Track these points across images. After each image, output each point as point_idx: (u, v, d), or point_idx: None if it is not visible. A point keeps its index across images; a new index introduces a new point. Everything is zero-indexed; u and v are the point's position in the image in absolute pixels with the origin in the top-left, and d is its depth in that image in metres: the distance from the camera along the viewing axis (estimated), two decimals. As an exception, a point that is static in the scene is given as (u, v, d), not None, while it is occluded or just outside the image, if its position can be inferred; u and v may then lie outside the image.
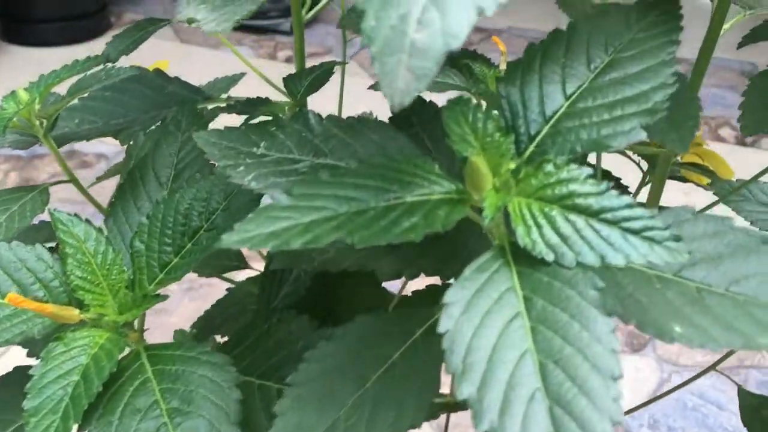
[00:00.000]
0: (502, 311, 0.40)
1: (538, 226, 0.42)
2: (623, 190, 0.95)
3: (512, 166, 0.44)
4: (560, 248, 0.41)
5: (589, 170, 0.43)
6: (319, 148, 0.52)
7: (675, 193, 0.94)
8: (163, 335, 0.87)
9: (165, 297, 0.60)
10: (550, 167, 0.43)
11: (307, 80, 0.72)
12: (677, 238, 0.41)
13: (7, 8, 3.17)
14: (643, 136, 0.44)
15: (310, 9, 0.77)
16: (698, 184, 0.97)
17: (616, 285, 0.46)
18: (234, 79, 0.96)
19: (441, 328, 0.40)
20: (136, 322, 0.65)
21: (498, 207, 0.42)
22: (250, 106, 0.73)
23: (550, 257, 0.41)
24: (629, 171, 0.93)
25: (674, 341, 0.43)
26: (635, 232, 0.41)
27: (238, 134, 0.54)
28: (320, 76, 0.72)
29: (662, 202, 0.74)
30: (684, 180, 0.94)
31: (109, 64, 0.77)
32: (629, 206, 0.42)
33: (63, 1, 3.22)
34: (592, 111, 0.45)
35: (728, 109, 2.76)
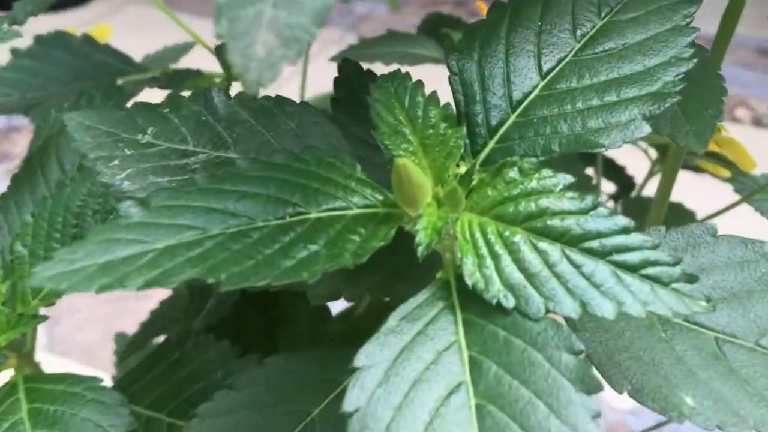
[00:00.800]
0: (438, 381, 0.28)
1: (495, 257, 0.30)
2: (626, 186, 0.83)
3: (461, 170, 0.31)
4: (524, 291, 0.29)
5: (568, 178, 0.30)
6: (221, 137, 0.39)
7: (688, 187, 0.80)
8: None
9: (44, 318, 0.48)
10: (513, 173, 0.31)
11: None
12: (691, 279, 0.29)
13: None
14: (645, 130, 0.32)
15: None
16: (715, 175, 0.84)
17: (602, 332, 0.33)
18: (184, 49, 0.83)
19: (347, 405, 0.27)
20: (29, 340, 0.54)
21: (438, 230, 0.30)
22: (175, 78, 0.61)
23: (509, 303, 0.29)
24: (636, 159, 0.80)
25: (684, 418, 0.31)
26: (632, 269, 0.29)
27: (120, 117, 0.41)
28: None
29: (673, 197, 0.61)
30: (698, 170, 0.81)
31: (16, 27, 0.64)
32: (624, 230, 0.29)
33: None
34: (576, 95, 0.33)
35: (745, 88, 2.62)
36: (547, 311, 0.29)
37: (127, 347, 0.76)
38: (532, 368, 0.28)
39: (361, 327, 0.53)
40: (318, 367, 0.39)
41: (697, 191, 0.87)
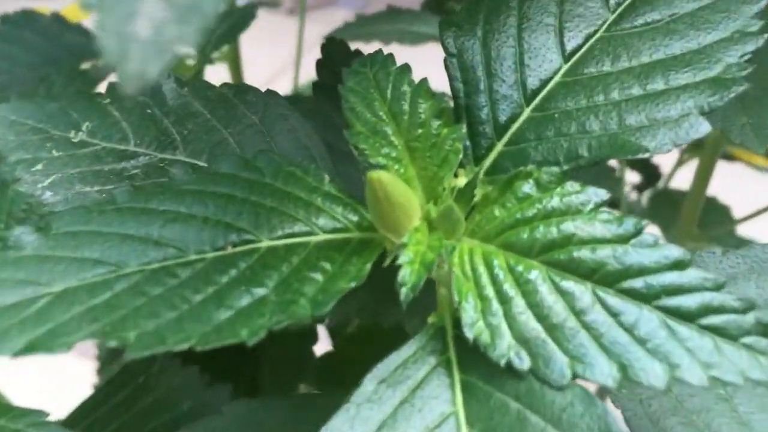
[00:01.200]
0: (428, 470, 0.21)
1: (504, 301, 0.22)
2: (651, 176, 0.75)
3: (460, 182, 0.24)
4: (543, 347, 0.22)
5: (600, 194, 0.23)
6: (168, 135, 0.32)
7: (719, 177, 0.72)
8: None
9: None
10: (528, 187, 0.23)
11: (217, 29, 0.52)
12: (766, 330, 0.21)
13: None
14: (703, 129, 0.24)
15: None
16: (750, 164, 0.77)
17: (643, 388, 0.26)
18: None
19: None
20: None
21: (428, 264, 0.22)
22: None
23: (522, 364, 0.22)
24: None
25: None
26: (689, 317, 0.21)
27: (52, 109, 0.34)
28: (236, 23, 0.51)
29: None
30: (731, 158, 0.73)
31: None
32: (677, 265, 0.22)
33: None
34: (610, 82, 0.25)
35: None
36: (575, 377, 0.21)
37: (110, 352, 0.69)
38: (555, 457, 0.21)
39: (349, 354, 0.46)
40: (286, 417, 0.32)
41: (730, 182, 0.79)
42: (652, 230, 0.22)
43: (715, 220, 0.68)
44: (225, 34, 0.52)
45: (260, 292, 0.21)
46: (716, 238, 0.63)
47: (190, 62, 0.53)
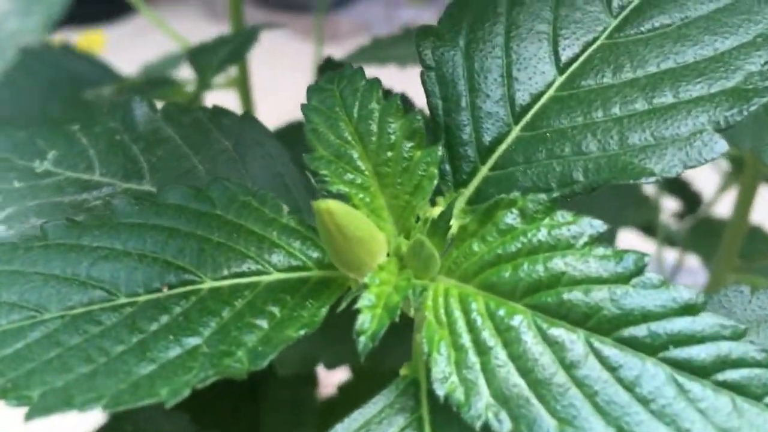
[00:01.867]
0: None
1: (482, 352, 0.19)
2: (691, 202, 0.70)
3: (437, 212, 0.21)
4: (527, 408, 0.18)
5: (596, 225, 0.19)
6: (136, 163, 0.29)
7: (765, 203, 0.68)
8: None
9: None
10: (512, 218, 0.20)
11: (219, 52, 0.49)
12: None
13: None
14: (719, 148, 0.20)
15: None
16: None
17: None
18: (177, 59, 0.74)
19: None
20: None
21: (392, 308, 0.19)
22: (143, 88, 0.51)
23: (502, 427, 0.18)
24: (703, 171, 0.68)
25: None
26: (702, 372, 0.18)
27: (19, 138, 0.32)
28: (238, 47, 0.49)
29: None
30: (775, 183, 0.68)
31: None
32: (688, 309, 0.18)
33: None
34: (611, 95, 0.22)
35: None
36: (565, 444, 0.18)
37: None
38: None
39: (352, 399, 0.43)
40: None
41: (775, 209, 0.74)
42: (691, 261, 0.19)
43: (759, 251, 0.63)
44: (227, 57, 0.49)
45: (191, 341, 0.18)
46: (760, 270, 0.58)
47: (189, 88, 0.50)
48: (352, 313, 0.38)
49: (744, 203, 0.49)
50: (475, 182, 0.22)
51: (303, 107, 0.22)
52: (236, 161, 0.28)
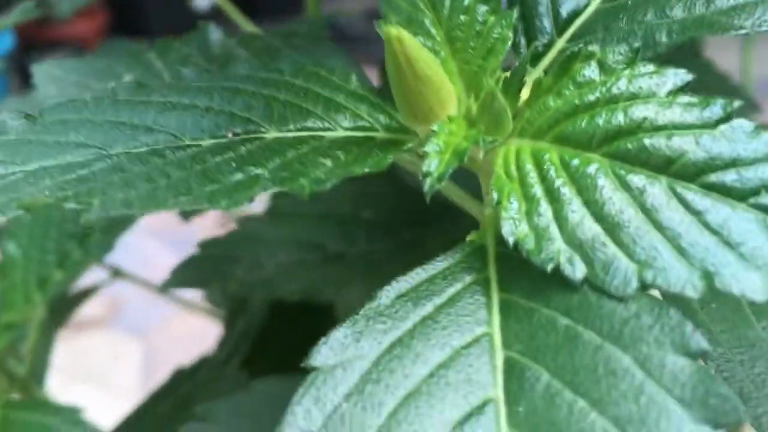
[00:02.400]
0: (450, 396, 0.16)
1: (554, 199, 0.18)
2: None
3: (503, 75, 0.20)
4: (602, 251, 0.17)
5: (680, 75, 0.18)
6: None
7: None
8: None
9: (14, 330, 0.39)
10: (591, 70, 0.19)
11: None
12: None
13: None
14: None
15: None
16: None
17: (745, 345, 0.21)
18: None
19: (286, 428, 0.16)
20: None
21: (461, 153, 0.18)
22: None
23: (575, 271, 0.17)
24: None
25: None
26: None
27: (99, 65, 0.32)
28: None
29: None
30: None
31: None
32: (780, 156, 0.17)
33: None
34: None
35: None
36: (643, 286, 0.17)
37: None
38: (613, 380, 0.16)
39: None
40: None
41: None
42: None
43: None
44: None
45: (254, 170, 0.18)
46: None
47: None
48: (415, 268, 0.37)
49: None
50: (552, 54, 0.21)
51: (377, -18, 0.22)
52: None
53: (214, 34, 0.31)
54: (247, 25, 0.43)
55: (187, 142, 0.19)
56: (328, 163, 0.18)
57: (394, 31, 0.17)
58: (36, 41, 2.05)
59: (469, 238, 0.20)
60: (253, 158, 0.18)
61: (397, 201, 0.38)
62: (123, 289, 0.64)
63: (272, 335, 0.45)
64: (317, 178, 0.17)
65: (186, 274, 0.35)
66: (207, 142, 0.19)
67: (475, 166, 0.21)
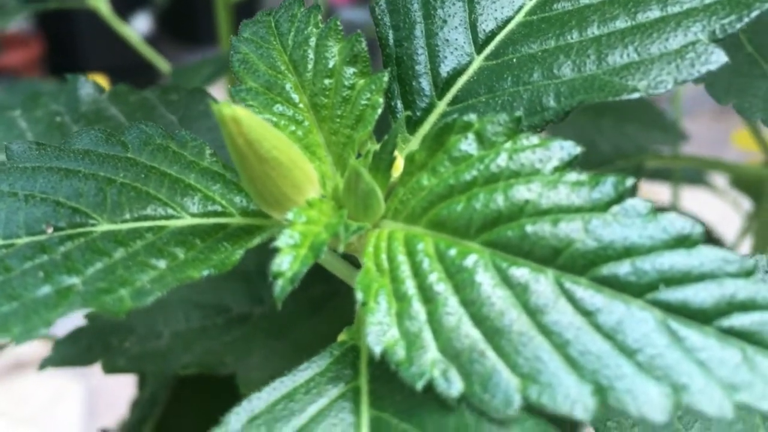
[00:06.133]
0: None
1: (428, 299, 0.15)
2: (713, 241, 0.66)
3: (378, 146, 0.17)
4: (481, 363, 0.14)
5: (568, 148, 0.16)
6: (74, 144, 0.26)
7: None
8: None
9: None
10: (468, 143, 0.16)
11: (203, 72, 0.47)
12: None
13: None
14: (716, 59, 0.17)
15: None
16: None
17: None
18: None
19: None
20: None
21: (317, 247, 0.15)
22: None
23: (451, 388, 0.14)
24: (724, 214, 0.64)
25: None
26: (702, 317, 0.14)
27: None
28: (221, 66, 0.47)
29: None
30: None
31: None
32: (682, 241, 0.15)
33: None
34: (588, 15, 0.18)
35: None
36: (527, 405, 0.14)
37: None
38: None
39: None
40: None
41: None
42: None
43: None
44: (210, 76, 0.47)
45: (66, 280, 0.15)
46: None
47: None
48: (326, 334, 0.34)
49: (762, 243, 0.46)
50: (432, 119, 0.19)
51: (232, 40, 0.19)
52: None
53: (84, 88, 0.28)
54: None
55: (-2, 242, 0.16)
56: (161, 264, 0.15)
57: (227, 110, 0.15)
58: (-33, 71, 1.99)
59: (340, 337, 0.17)
60: (69, 262, 0.15)
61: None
62: (61, 326, 0.61)
63: (181, 401, 0.41)
64: (140, 289, 0.14)
65: (68, 351, 0.32)
66: (22, 241, 0.16)
67: (352, 249, 0.18)
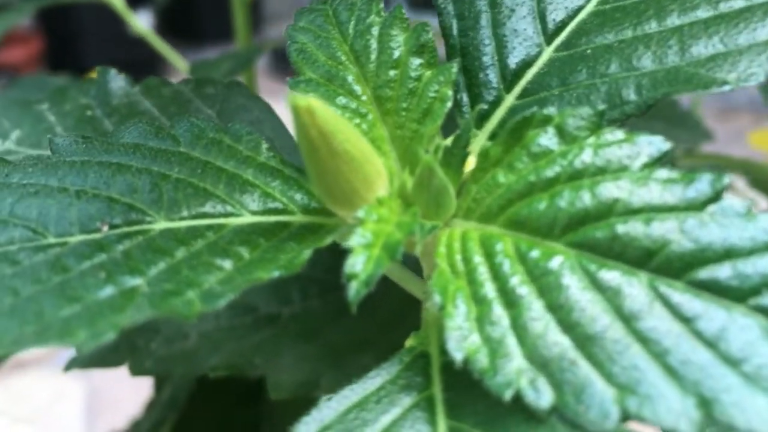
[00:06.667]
0: None
1: (510, 304, 0.14)
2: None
3: (448, 141, 0.16)
4: (573, 372, 0.13)
5: (656, 144, 0.15)
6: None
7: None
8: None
9: None
10: (547, 138, 0.15)
11: (223, 67, 0.46)
12: None
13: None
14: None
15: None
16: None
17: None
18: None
19: None
20: None
21: (393, 248, 0.15)
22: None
23: (540, 399, 0.13)
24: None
25: None
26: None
27: (-18, 118, 0.28)
28: (243, 61, 0.46)
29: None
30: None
31: None
32: (783, 244, 0.14)
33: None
34: (666, 4, 0.18)
35: None
36: (625, 417, 0.13)
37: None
38: None
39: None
40: None
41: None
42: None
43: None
44: (230, 71, 0.46)
45: (129, 281, 0.14)
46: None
47: None
48: (358, 337, 0.33)
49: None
50: (500, 113, 0.18)
51: (288, 29, 0.18)
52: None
53: (115, 81, 0.27)
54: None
55: (50, 240, 0.15)
56: (227, 265, 0.14)
57: (302, 101, 0.14)
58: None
59: (408, 343, 0.16)
60: (130, 260, 0.14)
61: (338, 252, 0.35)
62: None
63: (201, 405, 0.40)
64: (209, 291, 0.14)
65: (94, 352, 0.31)
66: (75, 239, 0.15)
67: (413, 249, 0.17)
